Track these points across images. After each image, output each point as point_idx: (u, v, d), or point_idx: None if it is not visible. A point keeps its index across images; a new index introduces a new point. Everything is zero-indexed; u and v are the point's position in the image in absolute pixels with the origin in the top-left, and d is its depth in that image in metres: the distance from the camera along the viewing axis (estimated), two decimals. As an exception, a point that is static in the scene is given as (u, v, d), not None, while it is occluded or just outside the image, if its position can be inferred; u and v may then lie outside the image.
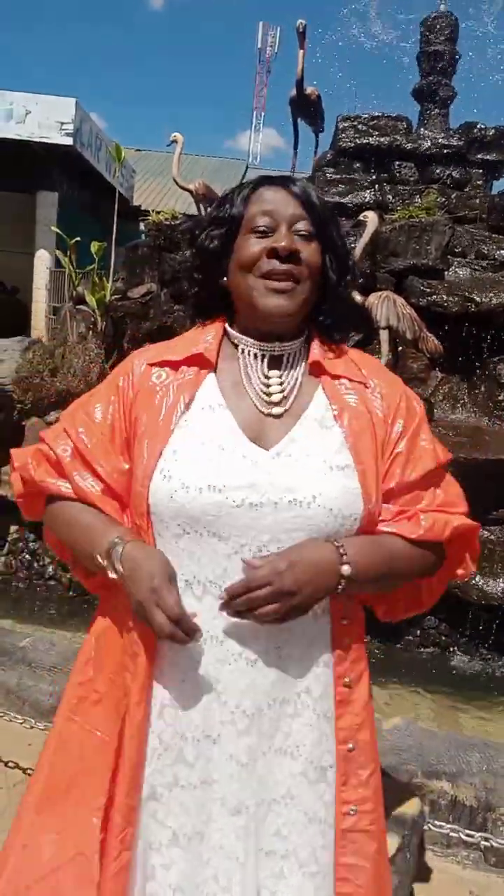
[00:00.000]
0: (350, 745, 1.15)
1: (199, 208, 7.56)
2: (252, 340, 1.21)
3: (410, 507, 1.18)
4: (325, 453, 1.14)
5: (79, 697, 1.22)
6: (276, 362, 1.21)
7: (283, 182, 1.21)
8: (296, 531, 1.09)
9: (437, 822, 2.06)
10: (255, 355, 1.21)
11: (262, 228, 1.17)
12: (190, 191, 7.48)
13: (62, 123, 13.26)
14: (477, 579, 3.90)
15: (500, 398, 5.12)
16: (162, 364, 1.23)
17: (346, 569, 1.08)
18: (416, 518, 1.16)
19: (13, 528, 4.78)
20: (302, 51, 6.75)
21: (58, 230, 6.97)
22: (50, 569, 4.66)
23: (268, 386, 1.19)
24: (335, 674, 1.16)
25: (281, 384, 1.19)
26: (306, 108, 7.31)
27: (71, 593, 4.58)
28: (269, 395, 1.18)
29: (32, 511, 1.31)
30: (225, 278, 1.22)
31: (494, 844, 2.02)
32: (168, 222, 6.30)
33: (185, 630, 1.04)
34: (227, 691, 1.12)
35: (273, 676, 1.12)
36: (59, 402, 5.19)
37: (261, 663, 1.12)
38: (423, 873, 2.07)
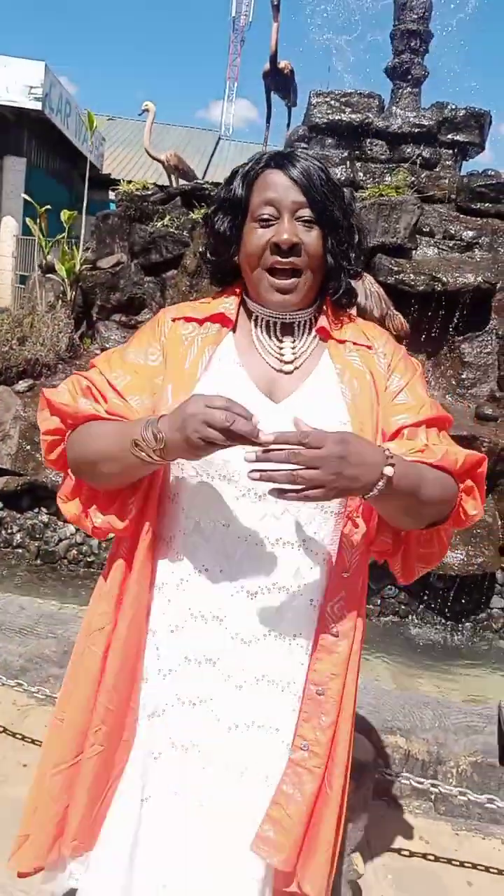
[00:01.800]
0: (319, 689, 1.23)
1: (170, 179, 7.52)
2: (266, 310, 1.31)
3: (428, 440, 1.24)
4: (326, 408, 1.24)
5: (94, 627, 1.30)
6: (288, 327, 1.32)
7: (285, 165, 1.25)
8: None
9: (388, 771, 2.18)
10: (268, 322, 1.32)
11: (265, 217, 1.24)
12: (161, 161, 7.44)
13: (31, 87, 13.00)
14: (435, 550, 4.05)
15: (464, 376, 5.25)
16: (188, 320, 1.34)
17: (388, 469, 1.09)
18: (430, 449, 1.21)
19: (-19, 497, 4.79)
20: (276, 24, 6.71)
21: (27, 197, 6.87)
22: (18, 537, 4.69)
23: (281, 349, 1.30)
24: (323, 619, 1.25)
25: (293, 348, 1.30)
26: (280, 82, 7.29)
27: (38, 562, 4.62)
28: (282, 356, 1.29)
29: (58, 463, 1.32)
30: (237, 257, 1.32)
31: (442, 790, 2.15)
32: (139, 192, 6.26)
33: (241, 413, 1.04)
34: (228, 619, 1.23)
35: (270, 610, 1.23)
36: (28, 370, 5.18)
37: (259, 596, 1.23)
38: (377, 821, 2.20)
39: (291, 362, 1.30)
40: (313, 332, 1.33)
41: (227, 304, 1.35)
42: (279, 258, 1.24)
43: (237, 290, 1.37)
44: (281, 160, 1.27)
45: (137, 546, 1.27)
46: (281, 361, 1.30)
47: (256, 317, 1.33)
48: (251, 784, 1.24)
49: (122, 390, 1.27)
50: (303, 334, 1.33)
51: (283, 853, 1.20)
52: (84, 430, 1.26)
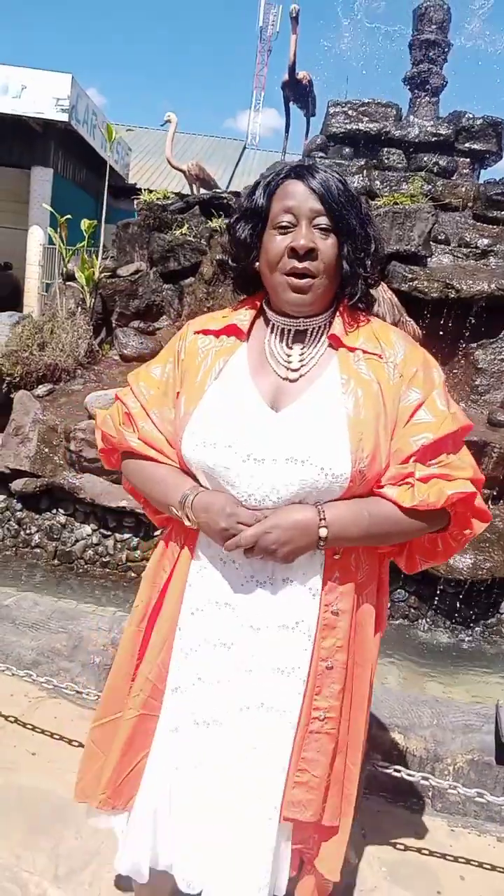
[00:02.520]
0: (328, 663, 1.35)
1: (192, 189, 7.63)
2: (281, 318, 1.40)
3: (417, 471, 1.32)
4: (326, 418, 1.31)
5: (136, 607, 1.51)
6: (301, 335, 1.40)
7: (305, 176, 1.34)
8: (292, 485, 1.28)
9: (381, 763, 2.23)
10: (283, 330, 1.40)
11: (284, 224, 1.33)
12: (183, 171, 7.56)
13: (58, 99, 13.23)
14: (445, 554, 4.07)
15: (477, 383, 5.27)
16: (206, 332, 1.45)
17: (322, 531, 1.27)
18: (413, 488, 1.30)
19: (1, 497, 4.90)
20: (294, 35, 6.81)
21: (49, 207, 7.03)
22: (36, 537, 4.79)
23: (289, 357, 1.38)
24: (322, 602, 1.34)
25: (301, 356, 1.38)
26: (298, 93, 7.39)
27: (55, 562, 4.71)
28: (289, 364, 1.37)
29: (110, 462, 1.59)
30: (257, 263, 1.41)
31: (433, 783, 2.19)
32: (159, 202, 6.37)
33: (250, 523, 1.29)
34: (239, 607, 1.34)
35: (275, 601, 1.34)
36: (47, 375, 5.30)
37: (266, 587, 1.34)
38: (374, 815, 2.25)
39: (297, 370, 1.37)
40: (324, 340, 1.39)
41: (242, 317, 1.44)
42: (296, 263, 1.32)
43: (256, 301, 1.46)
44: (301, 171, 1.36)
45: (180, 534, 1.43)
46: (287, 369, 1.37)
47: (273, 325, 1.41)
48: (261, 759, 1.35)
49: (145, 404, 1.45)
50: (314, 342, 1.39)
51: (311, 808, 1.35)
52: (133, 466, 1.49)
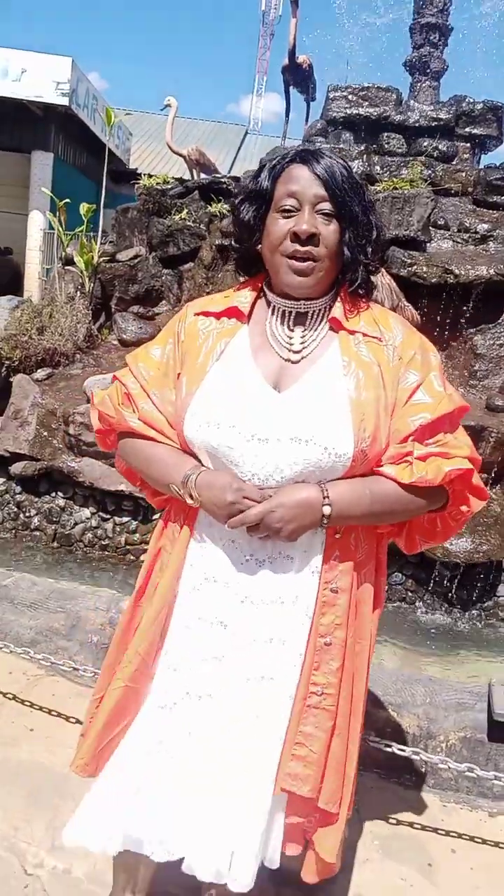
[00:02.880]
0: (327, 640, 1.38)
1: (192, 174, 7.61)
2: (282, 300, 1.42)
3: (415, 450, 1.35)
4: (328, 399, 1.33)
5: (137, 587, 1.54)
6: (301, 317, 1.42)
7: (310, 161, 1.36)
8: (296, 464, 1.31)
9: (373, 739, 2.26)
10: (284, 312, 1.42)
11: (287, 208, 1.35)
12: (183, 156, 7.53)
13: (58, 83, 13.12)
14: (441, 538, 4.09)
15: (476, 368, 5.27)
16: (206, 314, 1.46)
17: (326, 509, 1.30)
18: (412, 466, 1.34)
19: (0, 480, 4.92)
20: (294, 19, 6.77)
21: (48, 192, 7.01)
22: (36, 520, 4.82)
23: (290, 338, 1.40)
24: (322, 579, 1.37)
25: (302, 338, 1.40)
26: (298, 77, 7.35)
27: (55, 544, 4.74)
28: (290, 345, 1.40)
29: (106, 443, 1.60)
30: (260, 245, 1.42)
31: (424, 758, 2.23)
32: (159, 186, 6.36)
33: (257, 499, 1.31)
34: (238, 584, 1.37)
35: (275, 578, 1.36)
36: (46, 360, 5.31)
37: (266, 565, 1.37)
38: (367, 791, 2.28)
39: (299, 352, 1.39)
40: (325, 323, 1.42)
41: (242, 299, 1.46)
42: (298, 246, 1.34)
43: (258, 284, 1.48)
44: (306, 156, 1.37)
45: (179, 514, 1.46)
46: (289, 351, 1.39)
47: (274, 307, 1.43)
48: (261, 729, 1.37)
49: (145, 385, 1.45)
50: (315, 324, 1.41)
51: (308, 784, 1.37)
52: (131, 446, 1.50)
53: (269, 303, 1.45)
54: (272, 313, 1.44)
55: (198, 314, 1.48)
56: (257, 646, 1.37)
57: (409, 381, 1.37)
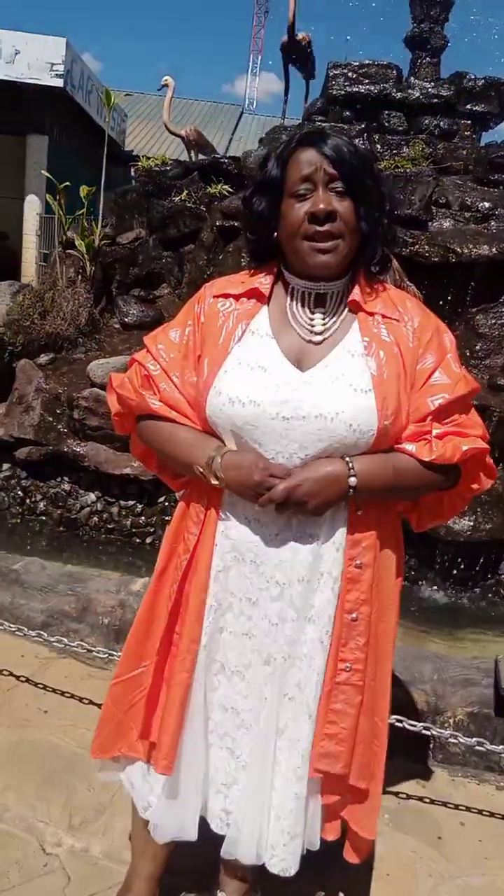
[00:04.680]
0: (354, 615, 1.41)
1: (189, 154, 7.55)
2: (301, 282, 1.44)
3: (433, 429, 1.38)
4: (351, 378, 1.35)
5: (156, 571, 1.56)
6: (321, 299, 1.44)
7: (317, 142, 1.37)
8: (320, 441, 1.33)
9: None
10: (304, 294, 1.44)
11: (301, 192, 1.37)
12: (181, 136, 7.48)
13: (52, 64, 13.00)
14: (445, 517, 4.11)
15: (478, 348, 5.26)
16: (225, 296, 1.47)
17: (352, 480, 1.33)
18: (431, 444, 1.37)
19: (6, 465, 4.94)
20: (293, -5, 6.69)
21: (48, 174, 6.96)
22: (42, 505, 4.84)
23: (312, 320, 1.42)
24: (346, 556, 1.40)
25: (323, 319, 1.42)
26: (297, 55, 7.27)
27: (61, 528, 4.77)
28: (312, 327, 1.41)
29: (123, 427, 1.61)
30: (276, 233, 1.43)
31: (434, 733, 2.27)
32: (158, 168, 6.31)
33: (281, 475, 1.34)
34: (264, 564, 1.40)
35: (301, 556, 1.39)
36: (49, 344, 5.30)
37: (291, 544, 1.39)
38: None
39: (321, 333, 1.41)
40: (345, 304, 1.43)
41: (263, 280, 1.47)
42: (317, 227, 1.35)
43: (273, 268, 1.49)
44: (312, 137, 1.39)
45: (203, 496, 1.47)
46: (311, 332, 1.41)
47: (293, 289, 1.45)
48: (292, 710, 1.42)
49: (166, 367, 1.47)
50: (335, 306, 1.43)
51: (341, 761, 1.42)
52: (152, 427, 1.50)
53: (286, 285, 1.47)
54: (291, 296, 1.45)
55: (217, 296, 1.49)
56: (288, 624, 1.41)
57: (427, 362, 1.40)
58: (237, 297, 1.47)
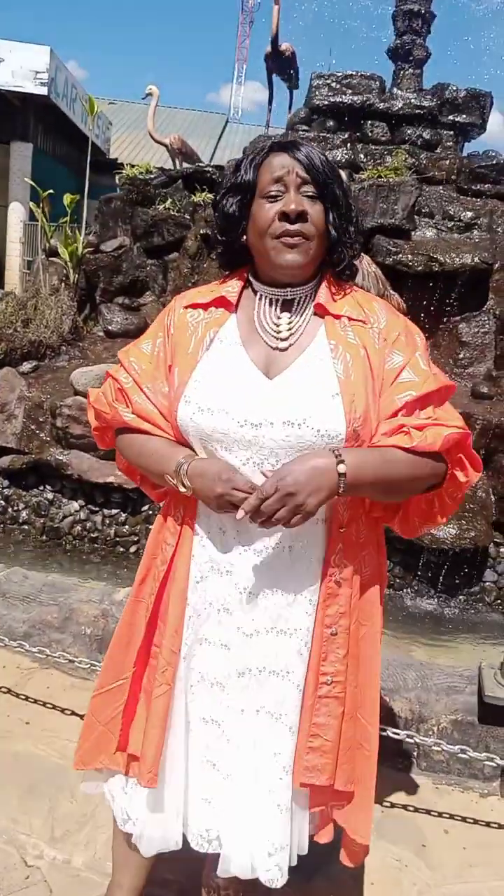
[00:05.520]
0: (333, 630, 1.40)
1: (174, 162, 7.57)
2: (268, 288, 1.44)
3: (407, 422, 1.35)
4: (318, 382, 1.35)
5: (136, 582, 1.55)
6: (288, 304, 1.44)
7: (290, 148, 1.39)
8: (290, 448, 1.32)
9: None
10: (270, 300, 1.44)
11: (273, 193, 1.37)
12: (165, 145, 7.49)
13: (37, 72, 13.01)
14: (429, 525, 4.12)
15: (461, 356, 5.30)
16: (194, 306, 1.48)
17: (342, 467, 1.27)
18: (410, 433, 1.34)
19: (-13, 475, 4.89)
20: (277, 6, 6.72)
21: (32, 182, 6.94)
22: (24, 514, 4.80)
23: (278, 326, 1.42)
24: (326, 572, 1.39)
25: (289, 324, 1.42)
26: (281, 65, 7.31)
27: (44, 538, 4.73)
28: (278, 333, 1.41)
29: (104, 441, 1.63)
30: (245, 237, 1.44)
31: (418, 741, 2.26)
32: (142, 176, 6.32)
33: (248, 491, 1.31)
34: (237, 574, 1.39)
35: (275, 567, 1.38)
36: (32, 352, 5.27)
37: (265, 555, 1.38)
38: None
39: (286, 339, 1.41)
40: (311, 309, 1.43)
41: (230, 288, 1.48)
42: (288, 226, 1.36)
43: (243, 274, 1.49)
44: (285, 144, 1.40)
45: (179, 507, 1.47)
46: (277, 339, 1.41)
47: (260, 296, 1.45)
48: (272, 723, 1.41)
49: (138, 379, 1.48)
50: (301, 311, 1.43)
51: (326, 773, 1.40)
52: (127, 440, 1.52)
53: (255, 292, 1.47)
54: (259, 302, 1.45)
55: (186, 307, 1.50)
56: (264, 637, 1.40)
57: (394, 361, 1.39)
58: (205, 307, 1.48)
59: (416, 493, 1.46)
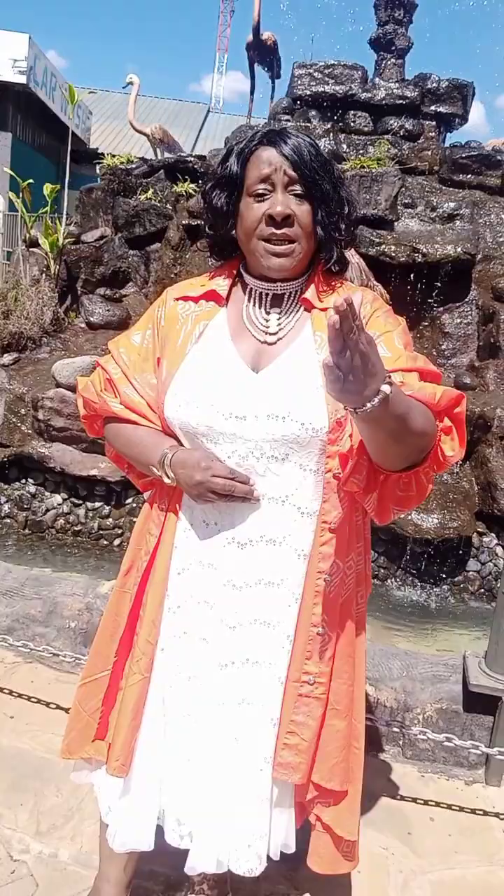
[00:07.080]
0: (320, 629, 1.39)
1: (155, 152, 7.52)
2: (258, 282, 1.43)
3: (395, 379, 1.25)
4: (303, 376, 1.34)
5: (121, 573, 1.55)
6: (277, 299, 1.43)
7: (277, 142, 1.35)
8: (275, 441, 1.31)
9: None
10: (260, 294, 1.43)
11: (260, 192, 1.35)
12: (146, 134, 7.44)
13: (15, 61, 12.86)
14: (413, 515, 4.15)
15: (444, 347, 5.33)
16: (185, 299, 1.47)
17: (385, 388, 1.08)
18: (407, 384, 1.25)
19: (-31, 468, 4.85)
20: (258, -6, 6.68)
21: (11, 172, 6.86)
22: (6, 507, 4.77)
23: (266, 321, 1.41)
24: (313, 568, 1.38)
25: (278, 320, 1.41)
26: (263, 54, 7.28)
27: (26, 531, 4.70)
28: (267, 328, 1.40)
29: (93, 429, 1.61)
30: (234, 230, 1.42)
31: (404, 731, 2.27)
32: (123, 166, 6.26)
33: (242, 480, 1.33)
34: (220, 567, 1.38)
35: (258, 560, 1.36)
36: (13, 344, 5.23)
37: (248, 548, 1.37)
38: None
39: (275, 333, 1.40)
40: (300, 304, 1.43)
41: (220, 282, 1.47)
42: (274, 229, 1.34)
43: (233, 269, 1.48)
44: (273, 137, 1.36)
45: (164, 497, 1.46)
46: (266, 333, 1.40)
47: (251, 290, 1.44)
48: (251, 714, 1.40)
49: (126, 370, 1.47)
50: (290, 306, 1.43)
51: (299, 772, 1.40)
52: (115, 430, 1.52)
53: (245, 285, 1.46)
54: (248, 296, 1.45)
55: (177, 299, 1.49)
56: (246, 629, 1.39)
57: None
58: (196, 300, 1.47)
59: (409, 458, 1.28)
